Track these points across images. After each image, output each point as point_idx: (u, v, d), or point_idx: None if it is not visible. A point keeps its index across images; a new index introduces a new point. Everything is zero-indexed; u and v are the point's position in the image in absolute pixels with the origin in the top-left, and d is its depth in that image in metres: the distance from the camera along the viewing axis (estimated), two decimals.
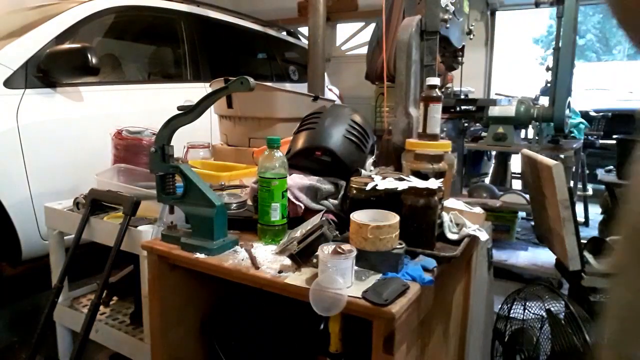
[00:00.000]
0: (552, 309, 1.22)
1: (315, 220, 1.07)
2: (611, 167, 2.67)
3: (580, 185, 3.61)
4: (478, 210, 1.31)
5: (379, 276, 0.91)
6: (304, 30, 3.84)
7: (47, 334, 1.53)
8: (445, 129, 2.94)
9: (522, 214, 3.25)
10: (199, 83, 2.84)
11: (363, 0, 5.35)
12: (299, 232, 1.05)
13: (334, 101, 2.24)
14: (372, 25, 4.14)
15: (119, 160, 1.71)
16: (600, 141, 3.91)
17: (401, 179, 1.07)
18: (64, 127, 2.08)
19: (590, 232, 3.59)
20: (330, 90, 4.13)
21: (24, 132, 1.92)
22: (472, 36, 2.18)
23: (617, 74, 9.24)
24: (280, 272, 0.95)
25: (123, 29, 2.64)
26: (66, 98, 2.12)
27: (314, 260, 0.94)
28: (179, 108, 1.10)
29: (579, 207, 3.47)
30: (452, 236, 1.12)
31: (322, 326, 1.04)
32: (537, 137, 2.68)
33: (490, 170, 3.91)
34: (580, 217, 3.72)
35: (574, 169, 2.68)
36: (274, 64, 3.84)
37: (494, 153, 3.77)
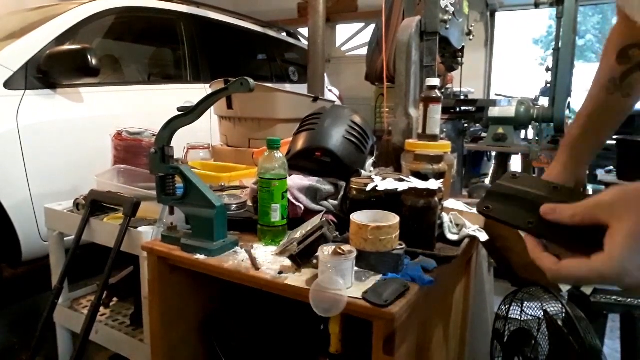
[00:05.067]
0: (549, 309, 1.22)
1: (315, 221, 1.06)
2: (611, 167, 2.66)
3: None
4: None
5: (379, 277, 0.91)
6: (304, 31, 3.84)
7: (47, 335, 1.53)
8: (445, 129, 2.94)
9: None
10: (199, 84, 2.84)
11: (363, 1, 5.36)
12: (299, 233, 1.05)
13: (333, 102, 2.24)
14: (372, 26, 4.15)
15: (119, 161, 1.71)
16: None
17: (401, 180, 1.07)
18: (64, 128, 2.08)
19: None
20: (330, 91, 4.13)
21: (24, 133, 1.92)
22: (471, 37, 2.18)
23: None
24: (280, 273, 0.95)
25: (123, 30, 2.65)
26: (66, 99, 2.13)
27: (314, 261, 0.94)
28: (179, 109, 1.10)
29: None
30: (452, 237, 1.12)
31: (322, 327, 1.04)
32: (537, 138, 2.68)
33: (490, 171, 3.90)
34: None
35: None
36: (274, 64, 3.84)
37: (493, 154, 3.76)
